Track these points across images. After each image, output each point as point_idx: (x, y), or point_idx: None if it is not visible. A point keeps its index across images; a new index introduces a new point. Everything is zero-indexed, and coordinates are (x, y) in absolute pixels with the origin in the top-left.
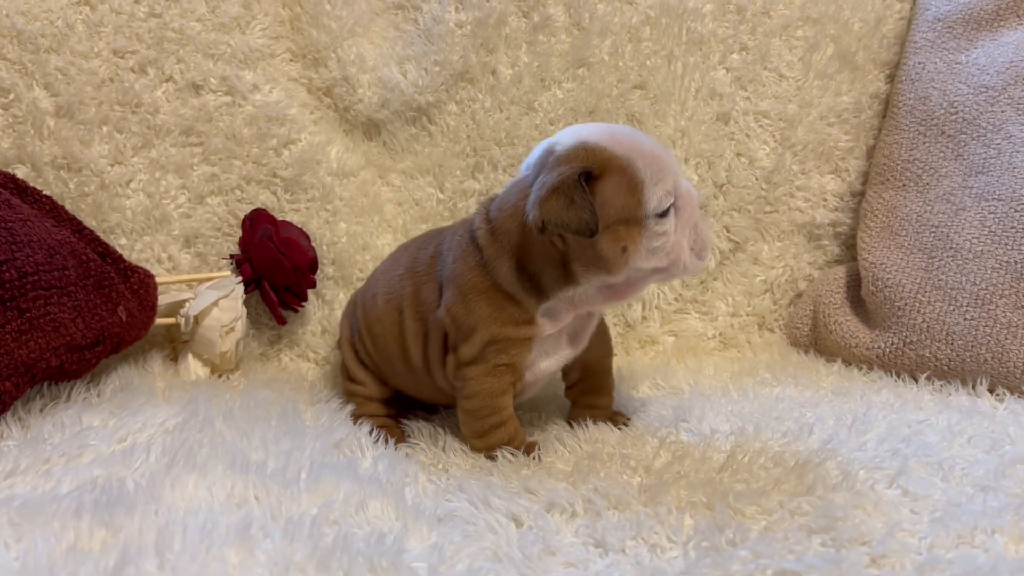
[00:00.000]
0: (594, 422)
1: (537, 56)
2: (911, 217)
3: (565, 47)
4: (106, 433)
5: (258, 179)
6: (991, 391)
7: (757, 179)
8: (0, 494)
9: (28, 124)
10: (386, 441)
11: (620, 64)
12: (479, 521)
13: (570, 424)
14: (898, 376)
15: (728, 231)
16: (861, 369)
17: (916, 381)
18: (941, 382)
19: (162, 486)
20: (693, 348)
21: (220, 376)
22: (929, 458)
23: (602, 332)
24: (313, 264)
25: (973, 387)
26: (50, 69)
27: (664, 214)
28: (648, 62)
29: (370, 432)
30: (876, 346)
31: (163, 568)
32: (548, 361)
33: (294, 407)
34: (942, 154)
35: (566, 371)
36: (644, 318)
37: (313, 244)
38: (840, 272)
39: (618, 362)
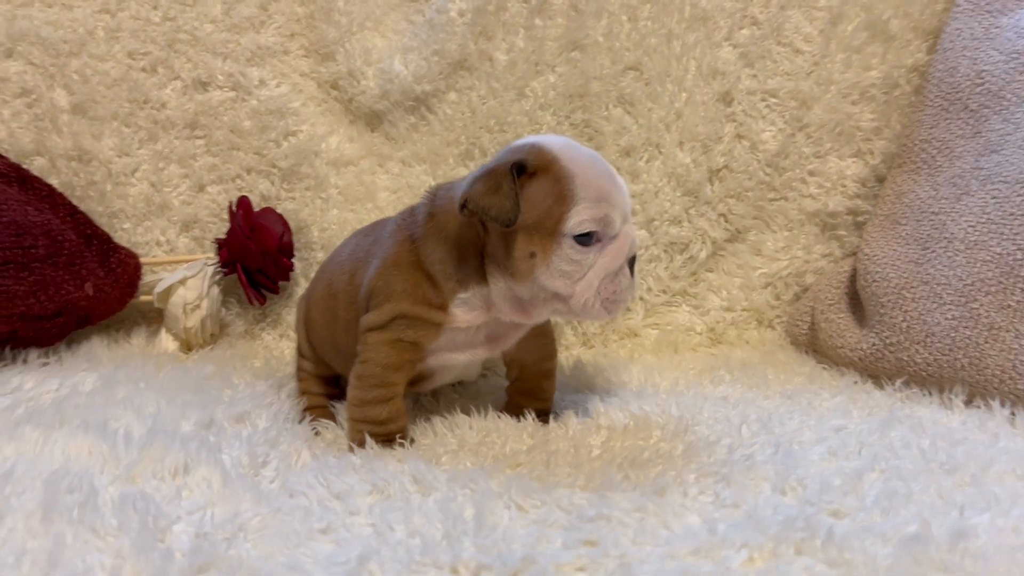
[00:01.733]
0: (517, 419)
1: (532, 41)
2: (915, 204)
3: (560, 30)
4: (11, 390)
5: (258, 169)
6: (968, 403)
7: (759, 163)
8: None
9: (47, 120)
10: (303, 418)
11: (615, 45)
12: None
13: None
14: (875, 381)
15: (725, 219)
16: (842, 373)
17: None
18: (914, 388)
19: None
20: (675, 343)
21: (191, 350)
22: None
23: (542, 335)
24: (284, 248)
25: (949, 397)
26: (69, 71)
27: (585, 242)
28: (645, 42)
29: (304, 410)
30: (859, 347)
31: None
32: (458, 355)
33: (225, 382)
34: (961, 131)
35: (507, 366)
36: (627, 309)
37: (304, 230)
38: (846, 265)
39: (590, 354)
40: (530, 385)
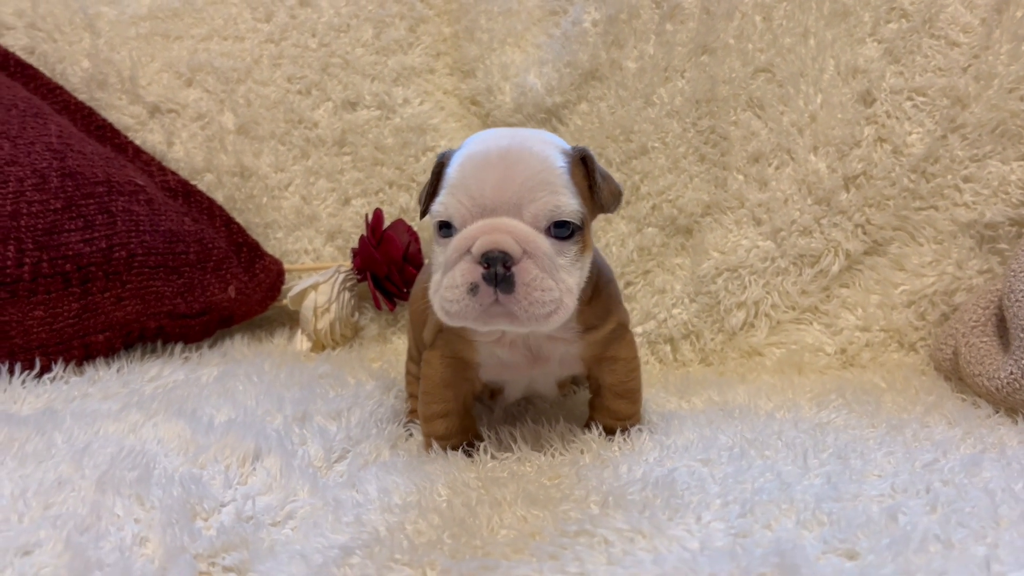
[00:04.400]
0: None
1: (662, 46)
2: None
3: (690, 34)
4: (148, 377)
5: (399, 183)
6: None
7: (903, 169)
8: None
9: (216, 141)
10: (409, 420)
11: (747, 47)
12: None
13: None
14: (1012, 415)
15: (862, 230)
16: (976, 405)
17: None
18: None
19: (106, 418)
20: (801, 364)
21: (323, 350)
22: (828, 503)
23: (614, 359)
24: (410, 258)
25: None
26: (237, 96)
27: (445, 233)
28: (779, 41)
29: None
30: (997, 376)
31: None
32: (506, 371)
33: (337, 380)
34: None
35: (588, 382)
36: (750, 326)
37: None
38: (1000, 283)
39: (704, 372)
40: (604, 403)
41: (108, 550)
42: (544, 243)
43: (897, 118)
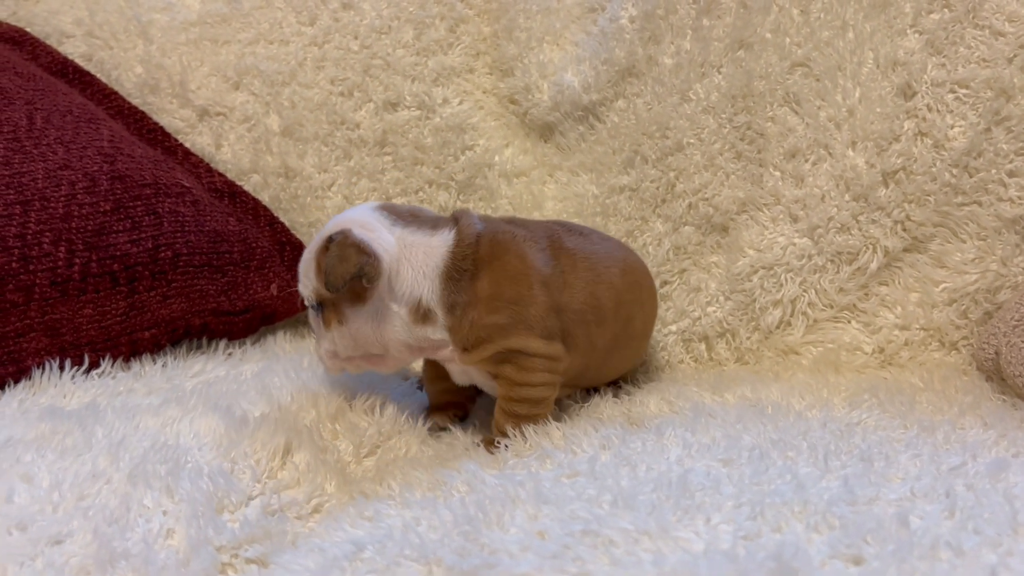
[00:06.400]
0: None
1: (699, 42)
2: None
3: (727, 29)
4: (191, 373)
5: (438, 182)
6: None
7: (944, 163)
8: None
9: (262, 143)
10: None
11: (784, 41)
12: (378, 487)
13: None
14: None
15: (902, 227)
16: (1016, 406)
17: None
18: None
19: (146, 413)
20: (837, 363)
21: None
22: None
23: (502, 377)
24: None
25: None
26: (282, 99)
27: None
28: (816, 35)
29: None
30: None
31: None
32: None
33: (373, 375)
34: None
35: None
36: (786, 324)
37: None
38: None
39: (740, 370)
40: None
41: (134, 541)
42: (310, 314)
43: (938, 111)
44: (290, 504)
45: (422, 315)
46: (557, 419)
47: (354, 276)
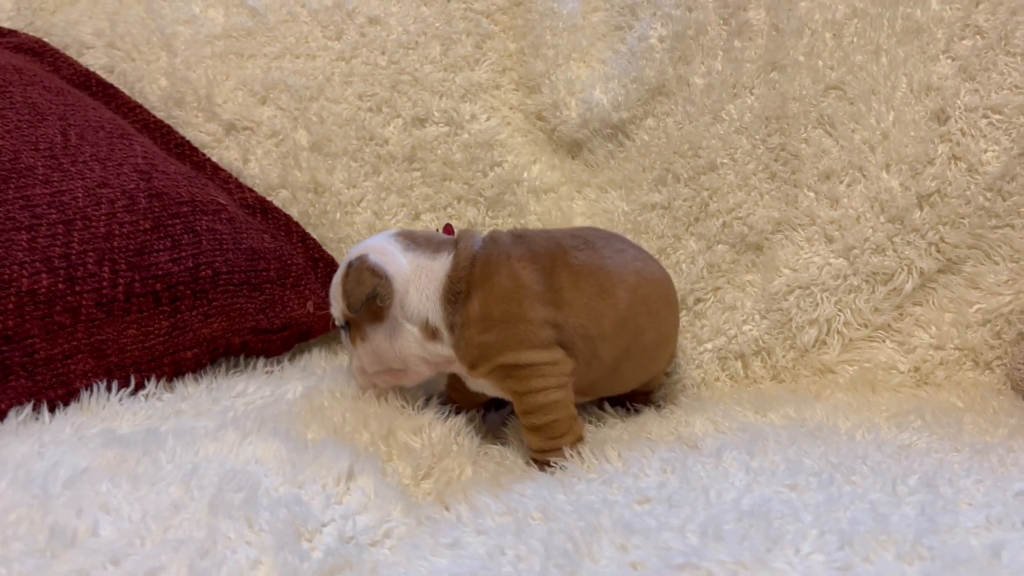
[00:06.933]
0: None
1: (730, 63)
2: None
3: (759, 51)
4: (235, 392)
5: (467, 198)
6: None
7: (978, 187)
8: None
9: (290, 158)
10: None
11: (817, 64)
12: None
13: None
14: None
15: (936, 248)
16: None
17: None
18: None
19: (205, 438)
20: (874, 382)
21: None
22: (930, 536)
23: (512, 393)
24: None
25: None
26: (310, 114)
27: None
28: (849, 59)
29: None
30: None
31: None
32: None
33: (413, 394)
34: None
35: None
36: (822, 343)
37: None
38: None
39: (777, 388)
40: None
41: (227, 574)
42: (342, 335)
43: (972, 136)
44: (364, 530)
45: (431, 333)
46: (607, 438)
47: (369, 296)
